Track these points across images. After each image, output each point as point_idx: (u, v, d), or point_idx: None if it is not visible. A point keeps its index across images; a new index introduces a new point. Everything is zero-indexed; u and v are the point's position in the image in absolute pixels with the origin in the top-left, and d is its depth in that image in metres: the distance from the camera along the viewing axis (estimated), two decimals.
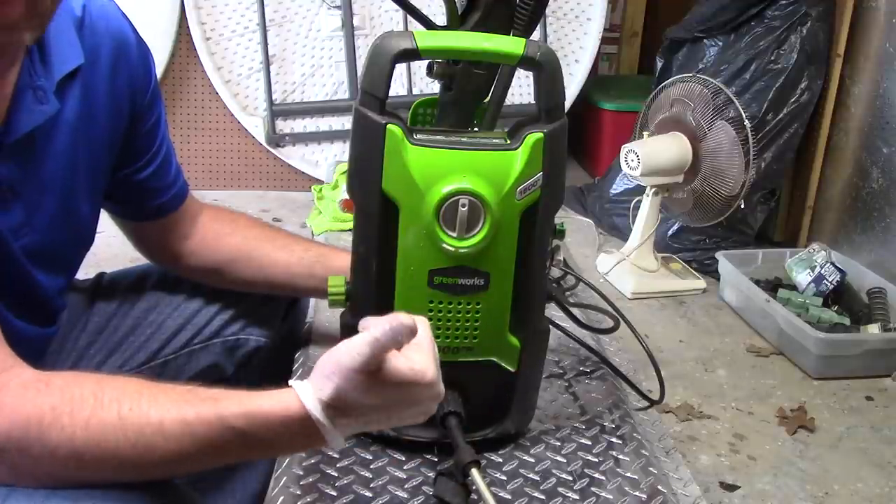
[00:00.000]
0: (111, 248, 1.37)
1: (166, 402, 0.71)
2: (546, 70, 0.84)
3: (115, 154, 0.99)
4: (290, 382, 0.74)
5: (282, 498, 0.85)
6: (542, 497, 0.89)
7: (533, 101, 0.88)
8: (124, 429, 0.70)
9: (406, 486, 0.88)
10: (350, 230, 0.89)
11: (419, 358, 0.72)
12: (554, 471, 0.93)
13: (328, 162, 3.06)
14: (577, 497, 0.89)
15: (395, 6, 1.07)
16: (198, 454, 0.72)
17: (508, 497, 0.88)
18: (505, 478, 0.91)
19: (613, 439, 0.99)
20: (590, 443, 0.98)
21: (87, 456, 0.70)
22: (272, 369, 1.13)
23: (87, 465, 0.70)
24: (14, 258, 0.88)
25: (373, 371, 0.70)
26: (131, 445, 0.70)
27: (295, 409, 0.71)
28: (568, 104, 2.87)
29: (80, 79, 0.90)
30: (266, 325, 1.17)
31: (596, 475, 0.93)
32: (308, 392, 0.72)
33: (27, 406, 0.69)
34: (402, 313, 0.72)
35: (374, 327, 0.70)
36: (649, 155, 2.46)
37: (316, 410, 0.71)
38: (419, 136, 0.83)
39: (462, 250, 0.83)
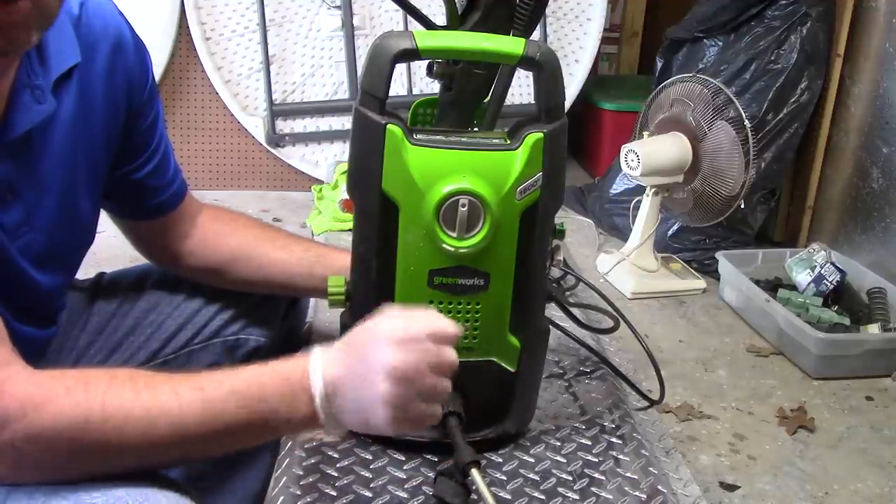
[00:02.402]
0: (111, 248, 1.36)
1: (179, 378, 0.76)
2: (546, 70, 0.84)
3: (113, 152, 0.99)
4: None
5: (282, 498, 0.85)
6: (542, 497, 0.89)
7: (533, 101, 0.87)
8: (140, 399, 0.72)
9: (406, 486, 0.88)
10: (350, 230, 0.89)
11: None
12: (554, 471, 0.93)
13: (328, 162, 3.05)
14: (577, 497, 0.89)
15: (395, 6, 1.07)
16: (211, 423, 0.74)
17: (508, 497, 0.88)
18: (505, 478, 0.91)
19: (613, 439, 0.99)
20: (590, 443, 0.98)
21: (98, 432, 0.71)
22: None
23: (96, 442, 0.71)
24: (12, 259, 0.88)
25: None
26: (146, 409, 0.72)
27: (300, 364, 0.77)
28: (568, 104, 2.87)
29: (76, 77, 0.90)
30: (266, 325, 1.17)
31: (596, 475, 0.93)
32: (317, 350, 0.77)
33: (41, 388, 0.71)
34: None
35: None
36: (649, 155, 2.46)
37: (315, 361, 0.77)
38: (419, 136, 0.83)
39: (462, 250, 0.83)
